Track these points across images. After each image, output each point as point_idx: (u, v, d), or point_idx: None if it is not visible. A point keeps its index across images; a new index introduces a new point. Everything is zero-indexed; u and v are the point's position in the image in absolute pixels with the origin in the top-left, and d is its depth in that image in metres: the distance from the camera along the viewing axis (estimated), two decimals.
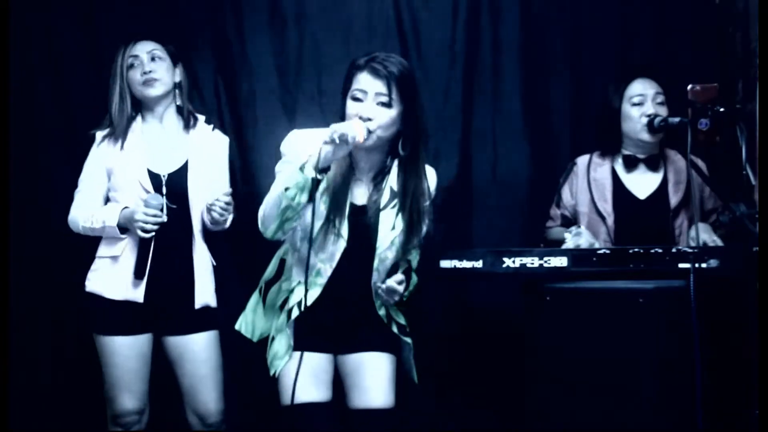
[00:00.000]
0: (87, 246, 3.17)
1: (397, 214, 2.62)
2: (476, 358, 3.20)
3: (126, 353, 2.85)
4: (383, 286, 2.57)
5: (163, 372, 2.96)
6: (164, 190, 2.88)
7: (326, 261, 2.61)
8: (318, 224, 2.55)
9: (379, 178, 2.65)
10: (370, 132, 2.48)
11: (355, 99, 2.54)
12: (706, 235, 2.75)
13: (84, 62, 3.26)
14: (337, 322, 2.66)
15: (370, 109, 2.52)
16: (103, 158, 2.95)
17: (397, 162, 2.63)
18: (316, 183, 2.43)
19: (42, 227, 3.22)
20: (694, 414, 2.26)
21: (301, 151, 2.53)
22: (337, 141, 2.40)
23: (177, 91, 3.01)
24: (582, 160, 3.07)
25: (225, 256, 3.09)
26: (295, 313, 2.61)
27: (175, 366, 2.94)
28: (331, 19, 3.31)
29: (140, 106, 3.00)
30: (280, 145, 2.66)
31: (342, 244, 2.59)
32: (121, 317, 2.86)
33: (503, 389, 3.08)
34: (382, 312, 2.69)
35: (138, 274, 2.83)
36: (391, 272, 2.62)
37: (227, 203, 2.84)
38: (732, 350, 2.39)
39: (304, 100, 3.29)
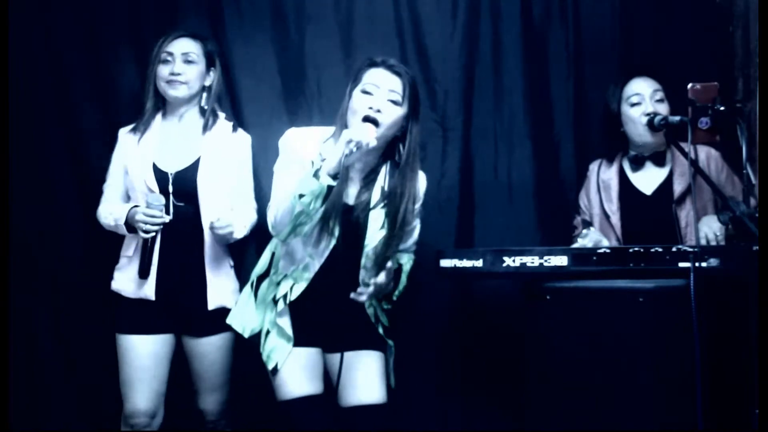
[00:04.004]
0: (86, 245, 3.18)
1: (386, 215, 2.64)
2: (476, 357, 3.19)
3: (138, 351, 2.83)
4: (372, 281, 2.55)
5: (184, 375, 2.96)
6: (170, 188, 2.86)
7: (315, 256, 2.63)
8: (313, 222, 2.56)
9: (370, 178, 2.68)
10: (377, 126, 2.53)
11: (366, 92, 2.59)
12: (707, 227, 2.74)
13: (84, 62, 3.25)
14: (325, 321, 2.66)
15: (381, 102, 2.57)
16: (123, 153, 2.96)
17: (390, 165, 2.67)
18: (330, 189, 2.46)
19: (42, 227, 3.22)
20: (694, 414, 2.26)
21: (300, 148, 2.59)
22: (354, 150, 2.43)
23: (204, 94, 2.98)
24: (594, 165, 3.09)
25: (246, 256, 3.08)
26: (281, 306, 2.63)
27: (187, 361, 2.93)
28: (331, 20, 3.30)
29: (164, 103, 2.99)
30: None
31: (332, 241, 2.62)
32: (135, 315, 2.86)
33: (503, 389, 3.08)
34: (370, 311, 2.70)
35: (141, 274, 2.83)
36: (378, 270, 2.60)
37: (223, 225, 2.80)
38: (732, 350, 2.38)
39: (303, 100, 3.28)
